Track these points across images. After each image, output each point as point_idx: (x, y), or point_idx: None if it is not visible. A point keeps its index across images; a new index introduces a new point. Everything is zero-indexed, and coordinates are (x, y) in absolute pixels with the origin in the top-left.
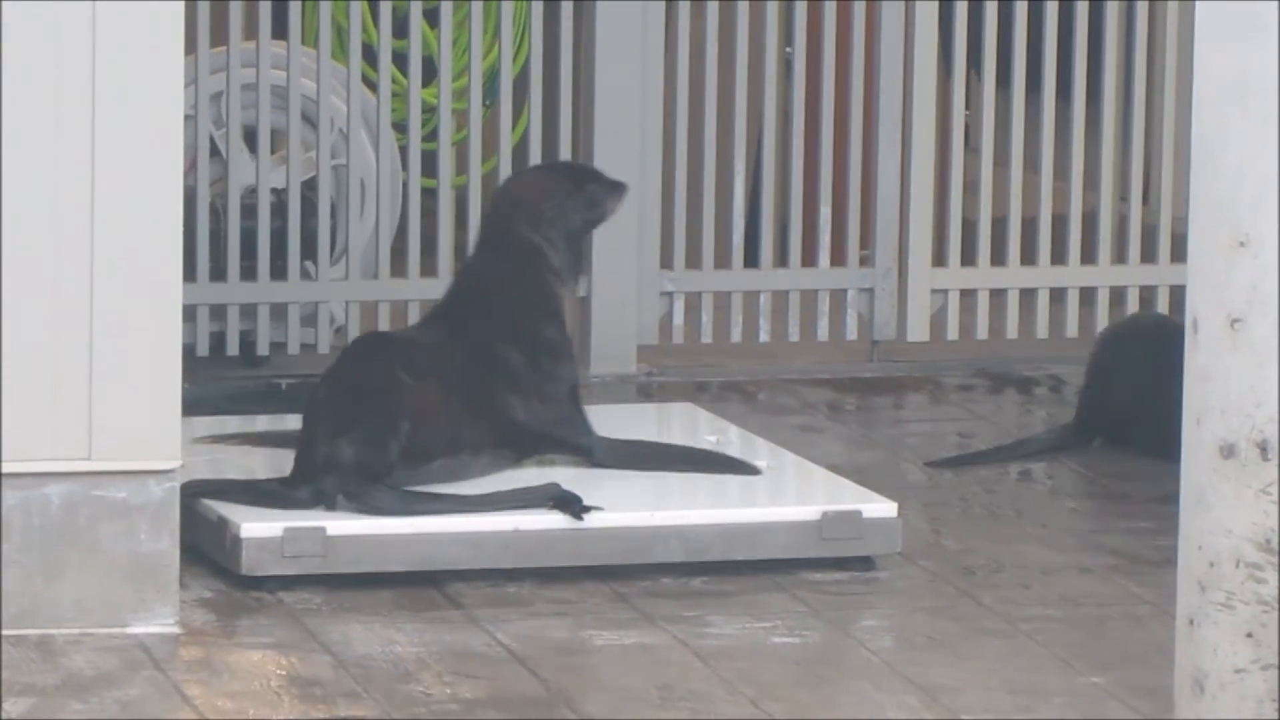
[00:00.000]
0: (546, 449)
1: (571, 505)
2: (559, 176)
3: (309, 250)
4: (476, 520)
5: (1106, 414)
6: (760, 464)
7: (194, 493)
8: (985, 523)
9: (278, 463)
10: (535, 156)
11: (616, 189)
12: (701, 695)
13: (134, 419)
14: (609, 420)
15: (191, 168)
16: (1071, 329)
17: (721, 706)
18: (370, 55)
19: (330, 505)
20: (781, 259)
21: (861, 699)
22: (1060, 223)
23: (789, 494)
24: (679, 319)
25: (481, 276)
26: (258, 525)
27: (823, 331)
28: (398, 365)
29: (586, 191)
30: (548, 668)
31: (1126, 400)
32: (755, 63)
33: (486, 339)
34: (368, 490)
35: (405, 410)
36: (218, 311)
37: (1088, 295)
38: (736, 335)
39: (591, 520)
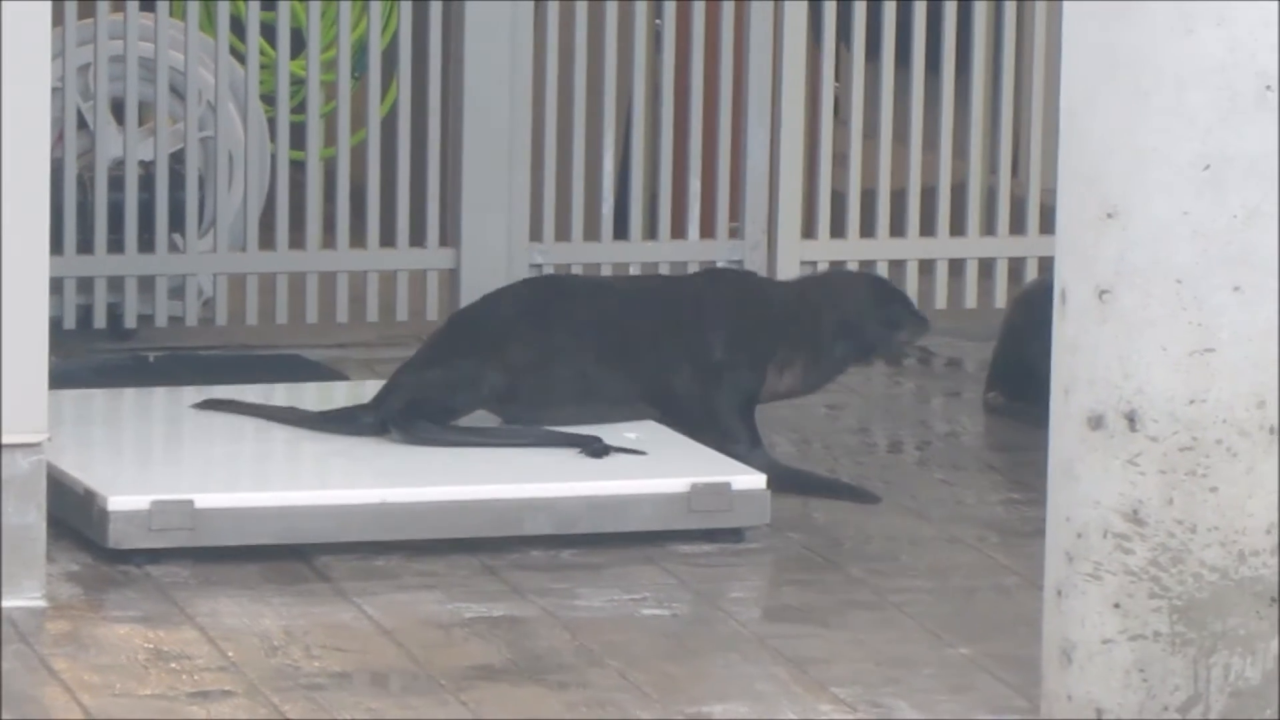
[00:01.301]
0: (707, 437)
1: (595, 447)
2: (891, 307)
3: (177, 223)
4: (344, 494)
5: (1019, 374)
6: (634, 435)
7: (243, 412)
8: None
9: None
10: (404, 129)
11: (919, 324)
12: (570, 667)
13: (0, 392)
14: None
15: (59, 140)
16: (940, 301)
17: (590, 678)
18: (238, 27)
19: (382, 432)
20: (651, 231)
21: (730, 671)
22: (929, 195)
23: (658, 466)
24: None
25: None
26: (125, 498)
27: None
28: (534, 312)
29: (890, 330)
30: (416, 641)
31: (1038, 361)
32: (625, 33)
33: (694, 323)
34: (413, 422)
35: (500, 362)
36: (85, 284)
37: (956, 267)
38: None
39: (458, 493)
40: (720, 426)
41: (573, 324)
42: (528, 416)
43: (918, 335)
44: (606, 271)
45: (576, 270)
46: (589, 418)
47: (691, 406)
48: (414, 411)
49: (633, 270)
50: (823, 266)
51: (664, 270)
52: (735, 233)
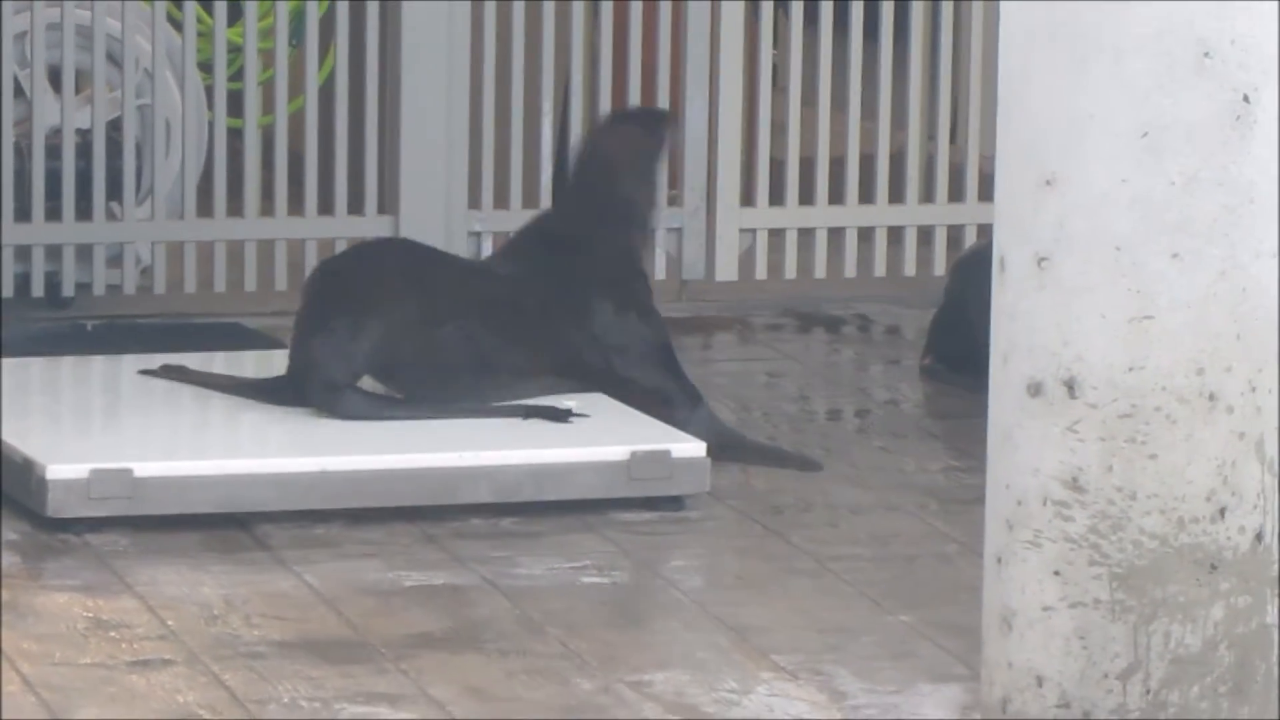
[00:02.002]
0: (646, 404)
1: (548, 413)
2: (644, 132)
3: (114, 191)
4: (284, 462)
5: (957, 341)
6: (573, 404)
7: (180, 378)
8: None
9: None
10: (342, 96)
11: (671, 121)
12: (510, 635)
13: None
14: None
15: None
16: (879, 269)
17: (531, 646)
18: None
19: (307, 405)
20: None
21: (671, 639)
22: (868, 162)
23: (598, 434)
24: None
25: (569, 228)
26: (64, 467)
27: None
28: (395, 271)
29: (663, 140)
30: (356, 609)
31: (976, 327)
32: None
33: (572, 284)
34: (338, 398)
35: (377, 312)
36: (22, 252)
37: (895, 234)
38: None
39: (398, 461)
40: (655, 390)
41: (457, 293)
42: (422, 391)
43: (677, 131)
44: None
45: None
46: (490, 390)
47: (614, 375)
48: (331, 388)
49: None
50: (761, 234)
51: None
52: (674, 200)
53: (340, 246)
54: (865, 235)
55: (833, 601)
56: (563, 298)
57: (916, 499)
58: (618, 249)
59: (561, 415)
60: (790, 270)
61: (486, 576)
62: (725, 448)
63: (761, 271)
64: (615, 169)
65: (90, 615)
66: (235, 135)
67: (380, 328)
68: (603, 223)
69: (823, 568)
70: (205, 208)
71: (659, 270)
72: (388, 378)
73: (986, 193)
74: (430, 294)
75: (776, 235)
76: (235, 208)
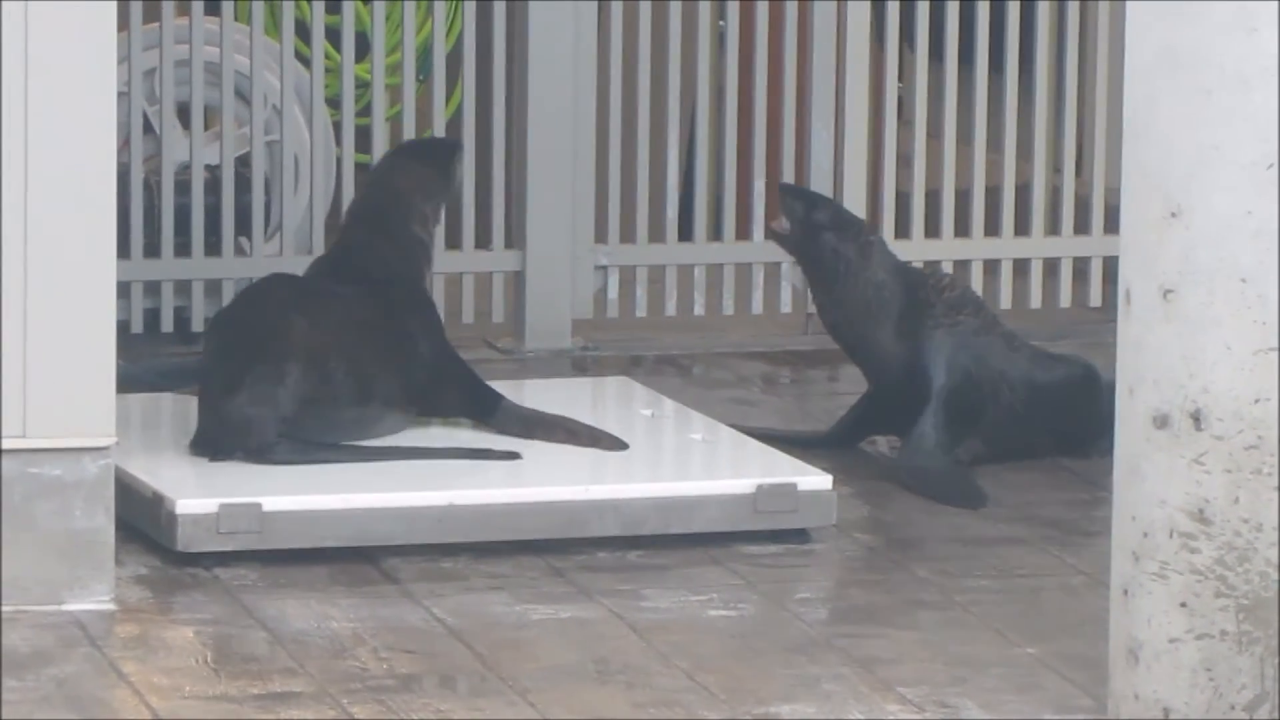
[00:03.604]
0: (454, 411)
1: (495, 454)
2: (431, 164)
3: (243, 226)
4: (411, 495)
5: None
6: (699, 436)
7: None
8: (919, 496)
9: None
10: (469, 131)
11: (457, 152)
12: (637, 669)
13: (68, 396)
14: (544, 395)
15: (125, 145)
16: (1005, 300)
17: (657, 680)
18: (303, 31)
19: (235, 457)
20: (716, 233)
21: (797, 672)
22: (993, 194)
23: (724, 467)
24: (614, 293)
25: (361, 261)
26: (193, 502)
27: (757, 304)
28: (293, 308)
29: (452, 174)
30: (484, 642)
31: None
32: (689, 34)
33: (387, 307)
34: (268, 449)
35: (295, 354)
36: (152, 288)
37: (1021, 266)
38: (671, 309)
39: (525, 495)
40: (469, 402)
41: (333, 326)
42: (322, 429)
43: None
44: (671, 276)
45: (641, 272)
46: (373, 424)
47: (435, 398)
48: (260, 441)
49: (696, 273)
50: None
51: (729, 273)
52: None
53: (467, 281)
54: (991, 267)
55: (958, 634)
56: (384, 320)
57: (1042, 531)
58: (410, 280)
59: (513, 455)
60: None
61: (613, 609)
62: (536, 427)
63: None
64: (403, 202)
65: (219, 649)
66: (363, 170)
67: (298, 370)
68: (395, 255)
69: (948, 600)
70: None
71: (784, 303)
72: (299, 419)
73: (1112, 225)
74: (323, 329)
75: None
76: None
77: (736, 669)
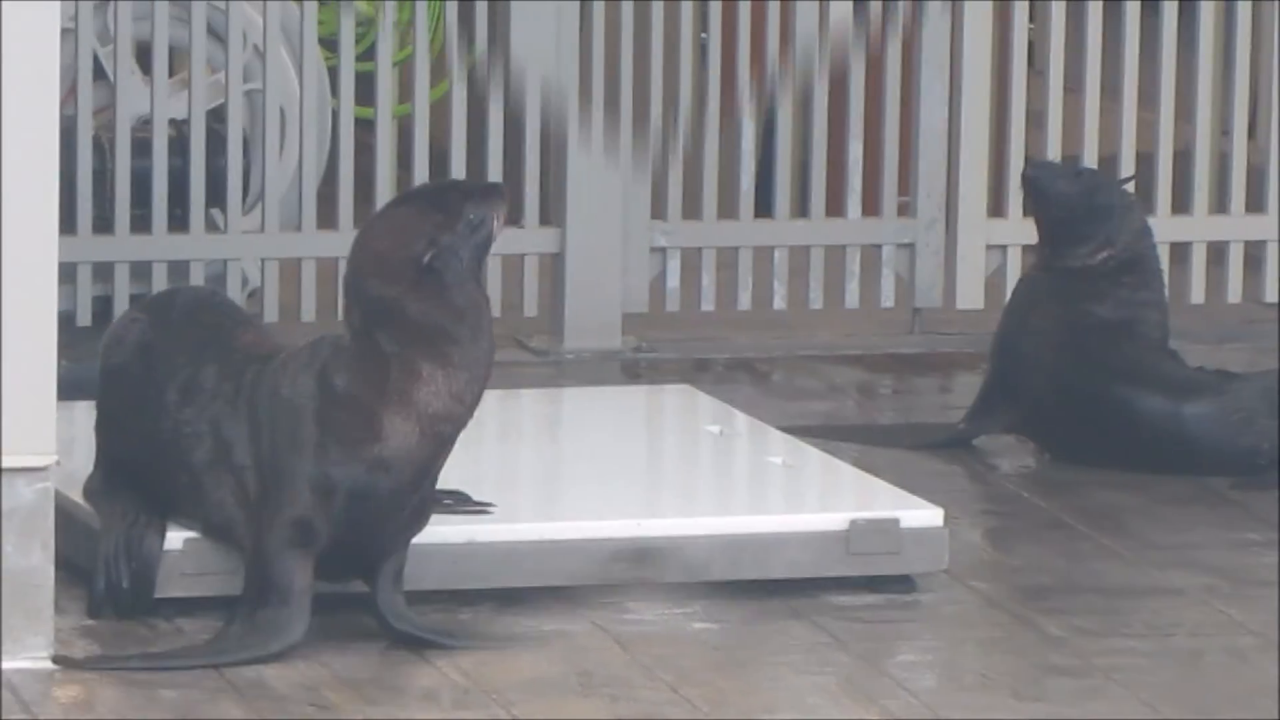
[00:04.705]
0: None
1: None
2: (419, 218)
3: (216, 196)
4: (429, 531)
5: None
6: (778, 460)
7: None
8: (1051, 533)
9: None
10: (495, 78)
11: (492, 195)
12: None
13: None
14: (590, 407)
15: (70, 94)
16: None
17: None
18: None
19: None
20: (801, 208)
21: None
22: (1145, 162)
23: (810, 498)
24: (674, 282)
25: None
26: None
27: (852, 297)
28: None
29: (465, 218)
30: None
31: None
32: None
33: None
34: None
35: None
36: (103, 271)
37: (1180, 252)
38: (745, 302)
39: (563, 531)
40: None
41: None
42: None
43: (504, 207)
44: (746, 260)
45: (709, 255)
46: None
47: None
48: None
49: (777, 257)
50: (1013, 251)
51: (817, 257)
52: (905, 210)
53: (494, 264)
54: None
55: (1100, 706)
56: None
57: (1203, 579)
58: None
59: (485, 507)
60: None
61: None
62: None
63: None
64: (378, 266)
65: (182, 718)
66: (364, 127)
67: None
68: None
69: (1087, 664)
70: (327, 217)
71: (885, 296)
72: None
73: None
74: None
75: (1031, 253)
76: (364, 216)
77: None
